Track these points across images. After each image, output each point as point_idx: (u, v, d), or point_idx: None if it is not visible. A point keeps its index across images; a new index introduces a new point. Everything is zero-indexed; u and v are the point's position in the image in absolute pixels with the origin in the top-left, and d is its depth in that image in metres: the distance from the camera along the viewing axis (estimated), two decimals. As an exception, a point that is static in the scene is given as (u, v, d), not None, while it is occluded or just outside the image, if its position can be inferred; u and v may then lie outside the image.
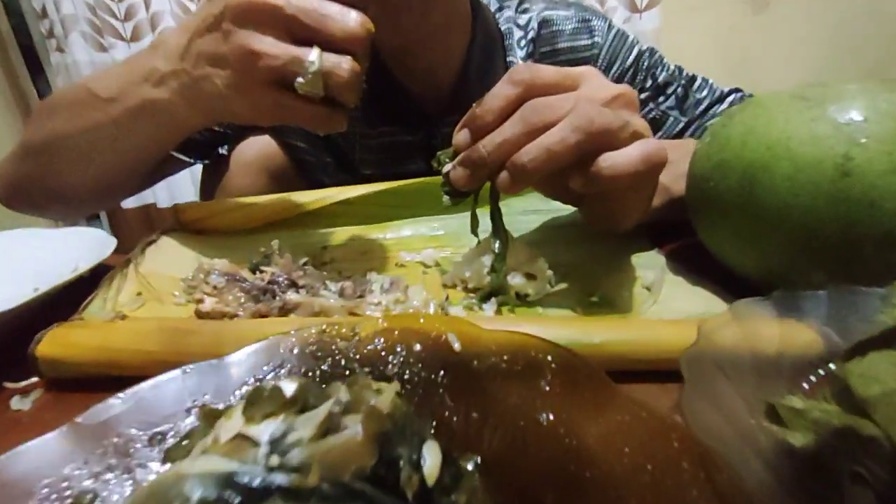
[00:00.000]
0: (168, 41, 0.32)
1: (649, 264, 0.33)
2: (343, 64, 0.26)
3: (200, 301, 0.25)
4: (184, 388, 0.17)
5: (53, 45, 1.29)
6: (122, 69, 0.36)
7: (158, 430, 0.16)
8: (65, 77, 1.31)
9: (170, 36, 0.32)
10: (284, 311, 0.26)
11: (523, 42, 0.53)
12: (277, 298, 0.26)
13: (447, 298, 0.28)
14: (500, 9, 0.55)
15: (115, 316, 0.23)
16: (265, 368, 0.19)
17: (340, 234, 0.41)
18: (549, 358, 0.17)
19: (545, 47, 0.53)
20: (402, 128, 0.52)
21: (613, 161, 0.24)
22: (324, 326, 0.20)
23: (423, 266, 0.35)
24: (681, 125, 0.51)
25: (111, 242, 0.33)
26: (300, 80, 0.26)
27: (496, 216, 0.30)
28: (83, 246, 0.35)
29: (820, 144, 0.21)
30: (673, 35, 1.41)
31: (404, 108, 0.51)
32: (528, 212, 0.41)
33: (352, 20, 0.26)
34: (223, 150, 0.52)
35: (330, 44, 0.27)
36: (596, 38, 0.52)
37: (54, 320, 0.24)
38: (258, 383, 0.18)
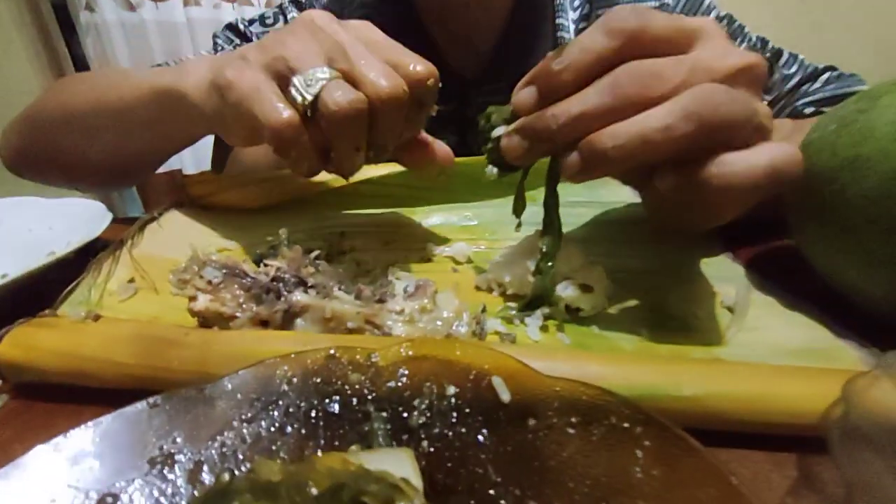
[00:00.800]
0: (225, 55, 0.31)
1: (724, 274, 0.27)
2: (351, 94, 0.23)
3: (193, 298, 0.21)
4: (148, 429, 0.13)
5: (83, 2, 1.26)
6: (169, 68, 0.35)
7: (107, 493, 0.12)
8: (94, 37, 1.29)
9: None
10: (289, 314, 0.22)
11: (577, 2, 0.46)
12: (282, 299, 0.22)
13: (484, 310, 0.23)
14: None
15: (88, 315, 0.19)
16: (256, 404, 0.14)
17: (362, 218, 0.37)
18: (639, 430, 0.12)
19: (602, 6, 0.46)
20: None
21: (731, 169, 0.17)
22: (332, 350, 0.16)
23: (454, 262, 0.31)
24: (765, 103, 0.44)
25: (105, 219, 0.29)
26: (298, 76, 0.23)
27: (551, 205, 0.24)
28: (82, 219, 0.32)
29: None
30: (731, 5, 1.27)
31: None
32: (575, 203, 0.35)
33: (389, 77, 0.23)
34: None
35: (356, 84, 0.23)
36: None
37: (31, 309, 0.21)
38: (244, 425, 0.14)
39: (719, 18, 0.45)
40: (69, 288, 0.24)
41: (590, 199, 0.35)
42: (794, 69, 0.43)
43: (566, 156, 0.20)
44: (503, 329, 0.23)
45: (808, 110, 0.42)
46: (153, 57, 1.29)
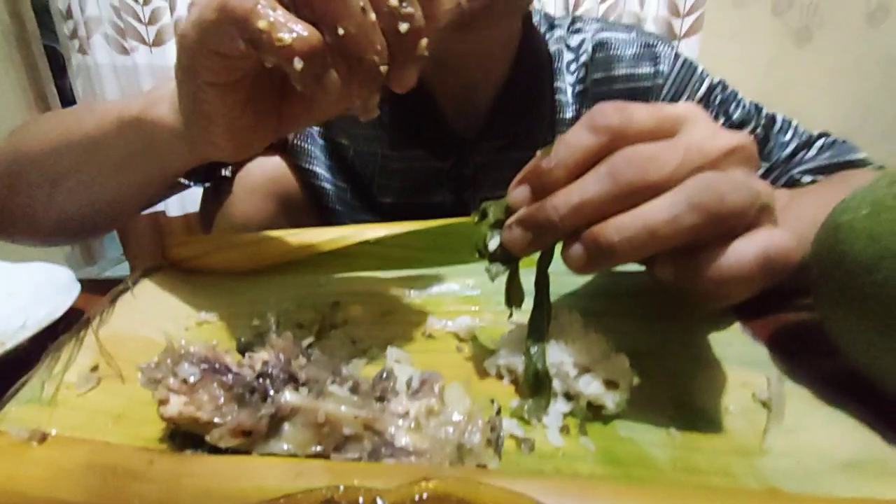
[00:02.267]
0: None
1: (749, 358, 0.25)
2: (296, 28, 0.19)
3: (164, 401, 0.18)
4: None
5: (76, 45, 1.27)
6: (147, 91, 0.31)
7: None
8: (85, 79, 1.29)
9: None
10: (277, 419, 0.19)
11: (574, 66, 0.47)
12: (269, 401, 0.19)
13: (498, 412, 0.21)
14: (551, 28, 0.48)
15: (32, 436, 0.16)
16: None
17: (357, 284, 0.34)
18: None
19: (599, 73, 0.46)
20: (430, 152, 0.46)
21: (726, 263, 0.17)
22: (329, 493, 0.13)
23: (457, 339, 0.28)
24: (762, 170, 0.44)
25: (71, 291, 0.26)
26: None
27: (542, 285, 0.24)
28: (46, 288, 0.29)
29: None
30: (712, 63, 1.34)
31: (434, 129, 0.45)
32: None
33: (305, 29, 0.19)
34: (226, 172, 0.46)
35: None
36: (661, 67, 0.45)
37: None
38: None
39: (712, 85, 0.45)
40: (18, 384, 0.20)
41: None
42: (789, 136, 0.44)
43: (569, 247, 0.19)
44: (520, 432, 0.20)
45: (806, 179, 0.42)
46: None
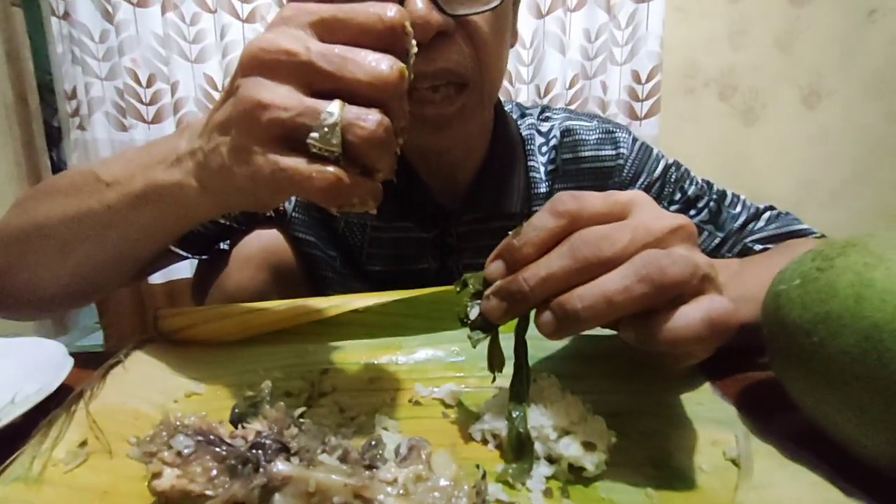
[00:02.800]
0: (194, 122, 0.28)
1: (718, 416, 0.27)
2: (369, 115, 0.21)
3: (157, 474, 0.19)
4: None
5: (76, 122, 1.32)
6: (138, 152, 0.32)
7: None
8: (82, 152, 1.33)
9: (198, 118, 0.29)
10: (269, 489, 0.19)
11: (545, 148, 0.52)
12: (261, 471, 0.19)
13: (483, 477, 0.21)
14: (523, 116, 0.55)
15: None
16: None
17: (345, 352, 0.35)
18: None
19: (567, 154, 0.52)
20: (417, 223, 0.49)
21: (675, 325, 0.20)
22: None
23: (443, 405, 0.29)
24: (717, 240, 0.48)
25: (65, 366, 0.27)
26: (314, 134, 0.21)
27: (521, 352, 0.26)
28: (37, 363, 0.29)
29: (978, 314, 0.17)
30: (671, 142, 1.48)
31: (420, 204, 0.49)
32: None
33: (380, 62, 0.22)
34: (224, 245, 0.48)
35: (355, 94, 0.22)
36: (621, 150, 0.51)
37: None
38: None
39: (668, 165, 0.51)
40: (8, 461, 0.21)
41: None
42: (739, 209, 0.49)
43: (540, 315, 0.22)
44: (505, 497, 0.21)
45: (758, 247, 0.46)
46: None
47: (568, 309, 0.21)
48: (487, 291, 0.24)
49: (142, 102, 1.30)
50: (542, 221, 0.23)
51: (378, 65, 0.22)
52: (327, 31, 0.22)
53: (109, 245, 0.34)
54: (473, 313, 0.25)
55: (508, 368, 0.26)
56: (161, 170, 0.29)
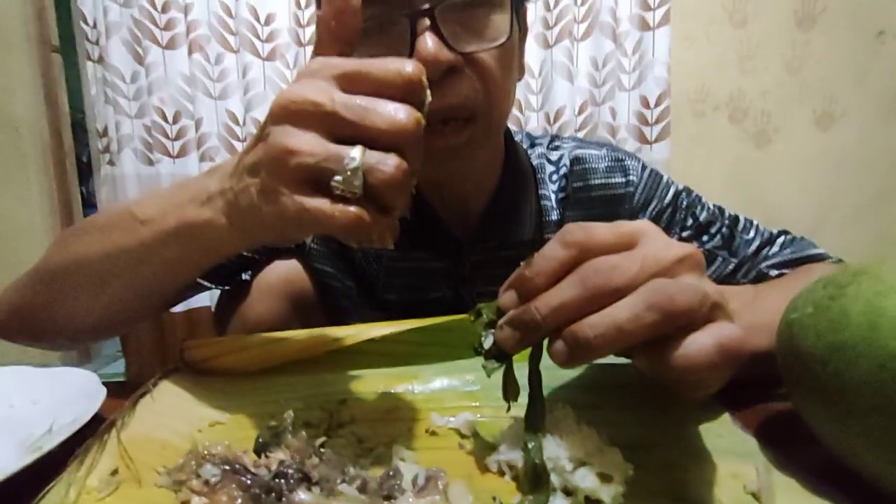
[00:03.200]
0: (224, 163, 0.30)
1: (738, 449, 0.27)
2: (388, 160, 0.23)
3: (186, 502, 0.20)
4: None
5: (106, 158, 1.39)
6: (171, 191, 0.34)
7: None
8: (110, 187, 1.40)
9: (228, 159, 0.31)
10: (291, 519, 0.20)
11: (555, 177, 0.53)
12: (284, 500, 0.20)
13: (500, 507, 0.22)
14: (532, 145, 0.56)
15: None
16: None
17: (363, 382, 0.36)
18: None
19: (578, 182, 0.53)
20: (432, 253, 0.50)
21: (686, 352, 0.20)
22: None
23: (459, 435, 0.29)
24: (731, 266, 0.48)
25: (98, 395, 0.28)
26: (337, 177, 0.23)
27: (534, 382, 0.26)
28: (72, 393, 0.30)
29: None
30: (682, 165, 1.49)
31: (434, 234, 0.50)
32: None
33: (398, 111, 0.23)
34: (245, 276, 0.49)
35: (375, 140, 0.24)
36: (630, 177, 0.52)
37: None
38: None
39: (678, 192, 0.52)
40: (46, 489, 0.22)
41: None
42: (752, 234, 0.49)
43: (553, 344, 0.23)
44: (522, 529, 0.21)
45: (773, 273, 0.46)
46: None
47: (580, 337, 0.21)
48: (501, 321, 0.24)
49: (168, 138, 1.37)
50: (552, 252, 0.23)
51: (396, 114, 0.23)
52: (350, 83, 0.24)
53: (142, 280, 0.36)
54: (487, 343, 0.25)
55: (523, 398, 0.26)
56: (192, 208, 0.30)
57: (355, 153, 0.23)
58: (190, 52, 1.33)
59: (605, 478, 0.22)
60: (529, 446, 0.24)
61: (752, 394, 0.32)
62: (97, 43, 1.35)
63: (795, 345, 0.23)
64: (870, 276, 0.21)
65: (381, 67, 0.24)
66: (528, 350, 0.26)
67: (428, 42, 0.36)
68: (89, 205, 1.62)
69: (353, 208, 0.23)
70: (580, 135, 1.40)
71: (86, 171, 1.60)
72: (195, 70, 1.34)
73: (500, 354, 0.25)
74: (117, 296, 0.37)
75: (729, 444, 0.27)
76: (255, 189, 0.26)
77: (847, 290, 0.22)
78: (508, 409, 0.27)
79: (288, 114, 0.24)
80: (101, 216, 0.39)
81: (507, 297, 0.25)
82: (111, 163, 1.39)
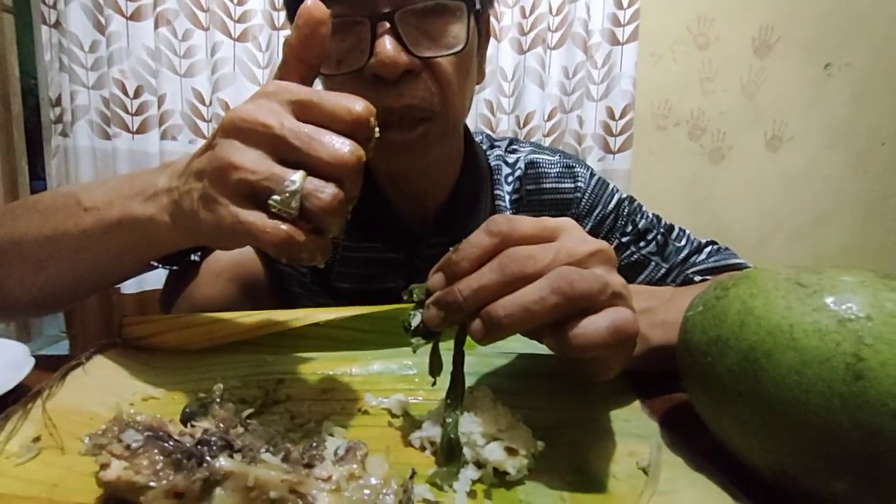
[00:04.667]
0: (176, 161, 0.31)
1: (641, 431, 0.30)
2: (326, 188, 0.24)
3: (105, 465, 0.20)
4: None
5: (59, 129, 1.32)
6: (120, 181, 0.34)
7: None
8: (61, 159, 1.33)
9: (180, 158, 0.31)
10: (210, 483, 0.21)
11: (510, 178, 0.56)
12: (204, 465, 0.21)
13: (412, 476, 0.23)
14: (492, 147, 0.58)
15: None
16: None
17: (303, 364, 0.37)
18: None
19: (531, 185, 0.55)
20: (386, 244, 0.52)
21: (583, 331, 0.23)
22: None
23: (390, 415, 0.31)
24: (662, 271, 0.52)
25: (25, 365, 0.28)
26: (276, 197, 0.24)
27: (458, 361, 0.28)
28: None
29: (825, 339, 0.20)
30: (642, 176, 1.56)
31: (390, 225, 0.51)
32: (498, 354, 0.38)
33: (343, 146, 0.25)
34: (195, 257, 0.49)
35: (317, 169, 0.25)
36: (579, 183, 0.55)
37: None
38: None
39: (621, 199, 0.55)
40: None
41: (510, 350, 0.38)
42: (683, 242, 0.53)
43: (471, 323, 0.25)
44: (431, 497, 0.23)
45: (698, 278, 0.50)
46: (117, 180, 1.32)
47: (493, 316, 0.23)
48: (427, 301, 0.26)
49: (127, 112, 1.31)
50: (478, 240, 0.26)
51: (341, 148, 0.25)
52: (302, 110, 0.25)
53: (81, 265, 0.36)
54: (415, 321, 0.27)
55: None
56: (138, 202, 0.31)
57: (296, 177, 0.24)
58: (156, 26, 1.28)
59: (512, 452, 0.25)
60: (447, 421, 0.26)
61: (663, 384, 0.35)
62: (54, 7, 1.28)
63: (687, 338, 0.26)
64: (749, 280, 0.24)
65: (332, 102, 0.25)
66: (455, 333, 0.27)
67: (387, 45, 0.38)
68: (37, 178, 1.54)
69: (285, 227, 0.24)
70: (549, 140, 1.44)
71: (35, 143, 1.52)
72: (161, 44, 1.29)
73: (427, 332, 0.27)
74: (54, 279, 0.37)
75: (633, 427, 0.30)
76: (197, 194, 0.27)
77: (729, 291, 0.25)
78: (434, 383, 0.29)
79: (237, 130, 0.25)
80: (43, 197, 0.39)
81: (435, 278, 0.27)
82: (64, 134, 1.32)
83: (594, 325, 0.23)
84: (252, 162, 0.25)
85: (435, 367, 0.28)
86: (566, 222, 0.27)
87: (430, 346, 0.28)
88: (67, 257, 0.35)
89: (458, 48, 0.40)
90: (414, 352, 0.27)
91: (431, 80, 0.41)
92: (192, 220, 0.28)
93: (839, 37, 1.61)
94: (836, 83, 1.65)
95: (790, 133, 1.67)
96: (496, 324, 0.23)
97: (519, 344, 0.38)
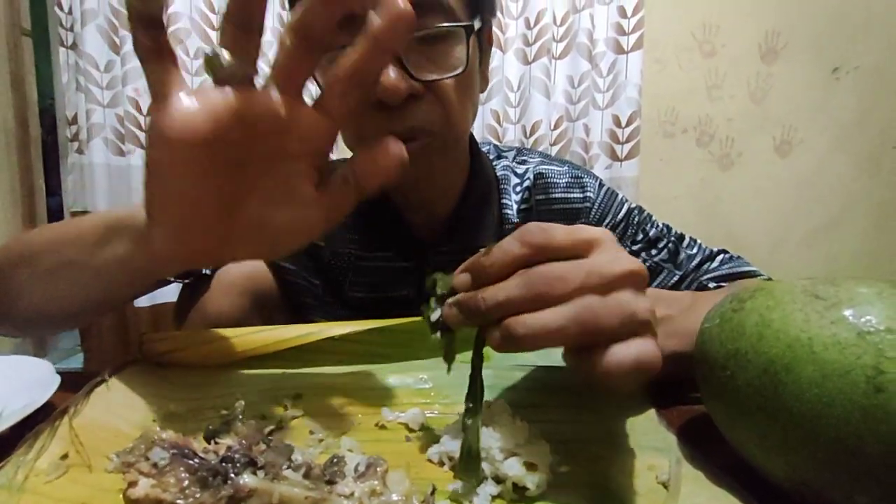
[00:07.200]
0: None
1: (659, 445, 0.29)
2: None
3: (133, 483, 0.21)
4: None
5: (75, 146, 1.36)
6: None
7: None
8: (77, 176, 1.36)
9: None
10: (235, 500, 0.21)
11: (519, 188, 0.56)
12: (229, 483, 0.21)
13: (433, 492, 0.23)
14: (499, 157, 0.59)
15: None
16: None
17: (319, 378, 0.37)
18: None
19: (540, 195, 0.56)
20: (397, 253, 0.52)
21: (606, 361, 0.23)
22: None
23: (407, 430, 0.31)
24: (675, 278, 0.52)
25: (52, 384, 0.29)
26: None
27: (476, 365, 0.28)
28: (25, 381, 0.31)
29: (845, 352, 0.20)
30: (650, 183, 1.56)
31: (400, 234, 0.52)
32: (515, 367, 0.38)
33: None
34: (207, 271, 0.50)
35: None
36: (588, 194, 0.55)
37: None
38: None
39: (630, 209, 0.55)
40: (-4, 469, 0.22)
41: (526, 362, 0.38)
42: (695, 250, 0.53)
43: (490, 331, 0.25)
44: (452, 512, 0.23)
45: (712, 285, 0.50)
46: (131, 196, 1.35)
47: (512, 332, 0.24)
48: (450, 300, 0.27)
49: (141, 130, 1.34)
50: (510, 247, 0.25)
51: None
52: None
53: (86, 275, 0.35)
54: (435, 315, 0.28)
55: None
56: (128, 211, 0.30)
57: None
58: (169, 45, 1.32)
59: (531, 467, 0.25)
60: (467, 423, 0.26)
61: (678, 395, 0.35)
62: (71, 29, 1.32)
63: (705, 350, 0.26)
64: (765, 293, 0.24)
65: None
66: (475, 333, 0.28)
67: (391, 73, 0.39)
68: (53, 194, 1.57)
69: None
70: (555, 149, 1.45)
71: (51, 160, 1.55)
72: (173, 63, 1.32)
73: (445, 328, 0.27)
74: (73, 289, 0.37)
75: (651, 440, 0.30)
76: None
77: (746, 304, 0.25)
78: (449, 370, 0.29)
79: None
80: (67, 219, 0.40)
81: (461, 278, 0.27)
82: (80, 151, 1.35)
83: (618, 358, 0.23)
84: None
85: (449, 357, 0.29)
86: (602, 235, 0.26)
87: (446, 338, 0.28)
88: (81, 282, 0.35)
89: (460, 70, 0.42)
90: (434, 342, 0.28)
91: (434, 102, 0.43)
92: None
93: (847, 40, 1.61)
94: (844, 87, 1.64)
95: (800, 137, 1.66)
96: (514, 339, 0.24)
97: (535, 356, 0.38)
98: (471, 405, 0.27)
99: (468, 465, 0.25)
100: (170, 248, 0.27)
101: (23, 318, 0.39)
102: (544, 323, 0.23)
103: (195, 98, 0.24)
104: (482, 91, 0.49)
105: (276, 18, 1.36)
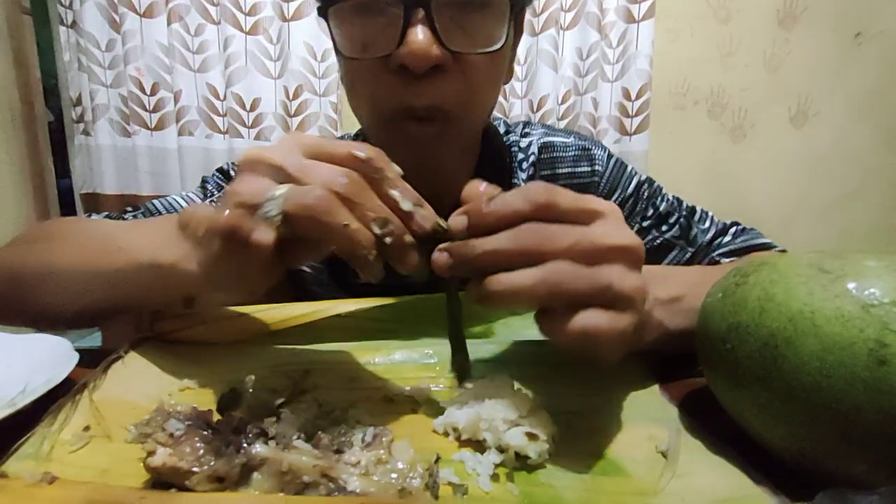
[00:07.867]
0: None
1: (660, 416, 0.30)
2: (310, 191, 0.24)
3: (152, 452, 0.22)
4: None
5: (80, 128, 1.36)
6: (152, 225, 0.36)
7: None
8: (85, 157, 1.37)
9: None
10: (247, 468, 0.22)
11: (525, 164, 0.55)
12: (242, 452, 0.22)
13: (437, 460, 0.24)
14: (507, 132, 0.58)
15: (43, 478, 0.19)
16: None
17: (328, 354, 0.38)
18: None
19: (546, 171, 0.55)
20: None
21: (560, 326, 0.24)
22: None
23: (413, 402, 0.32)
24: (688, 254, 0.51)
25: (70, 361, 0.30)
26: (264, 208, 0.25)
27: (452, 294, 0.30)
28: (45, 358, 0.32)
29: (848, 325, 0.20)
30: (660, 156, 1.52)
31: None
32: (518, 341, 0.39)
33: (337, 174, 0.25)
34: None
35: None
36: (596, 167, 0.54)
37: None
38: None
39: (640, 182, 0.54)
40: (22, 441, 0.23)
41: (527, 334, 0.38)
42: (707, 224, 0.52)
43: (473, 284, 0.26)
44: (456, 479, 0.24)
45: (725, 260, 0.49)
46: (138, 178, 1.36)
47: (487, 289, 0.24)
48: (442, 246, 0.27)
49: (145, 110, 1.34)
50: (513, 200, 0.25)
51: (329, 171, 0.25)
52: (311, 151, 0.26)
53: (116, 297, 0.37)
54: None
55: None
56: (166, 248, 0.30)
57: (282, 188, 0.25)
58: (169, 22, 1.30)
59: (532, 436, 0.25)
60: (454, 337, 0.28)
61: (682, 369, 0.36)
62: (70, 7, 1.30)
63: (706, 325, 0.26)
64: (769, 267, 0.24)
65: (340, 145, 0.26)
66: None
67: (419, 34, 0.35)
68: (62, 175, 1.58)
69: (228, 213, 0.25)
70: (562, 123, 1.42)
71: (57, 141, 1.56)
72: (174, 40, 1.30)
73: (432, 274, 0.27)
74: (92, 305, 0.38)
75: (652, 411, 0.30)
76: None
77: (749, 278, 0.25)
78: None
79: (248, 163, 0.27)
80: (80, 227, 0.40)
81: (459, 220, 0.27)
82: (86, 133, 1.35)
83: (572, 325, 0.23)
84: (250, 185, 0.26)
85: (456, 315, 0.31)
86: (608, 208, 0.26)
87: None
88: (102, 290, 0.36)
89: (496, 47, 0.38)
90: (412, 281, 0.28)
91: (460, 79, 0.38)
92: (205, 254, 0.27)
93: (870, 3, 1.54)
94: (866, 53, 1.57)
95: (816, 108, 1.61)
96: (487, 296, 0.24)
97: (537, 330, 0.39)
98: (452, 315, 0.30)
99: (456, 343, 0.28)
100: (207, 287, 0.31)
101: (48, 321, 0.40)
102: (514, 283, 0.24)
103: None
104: (506, 83, 0.45)
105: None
